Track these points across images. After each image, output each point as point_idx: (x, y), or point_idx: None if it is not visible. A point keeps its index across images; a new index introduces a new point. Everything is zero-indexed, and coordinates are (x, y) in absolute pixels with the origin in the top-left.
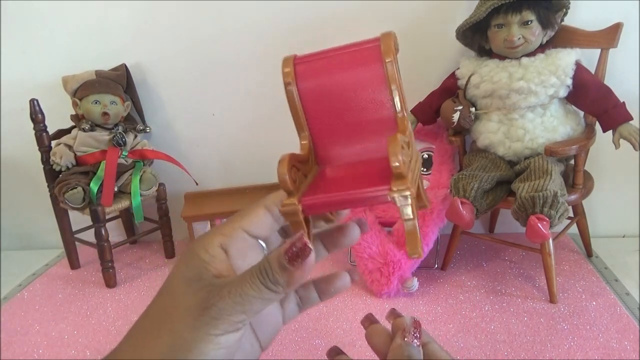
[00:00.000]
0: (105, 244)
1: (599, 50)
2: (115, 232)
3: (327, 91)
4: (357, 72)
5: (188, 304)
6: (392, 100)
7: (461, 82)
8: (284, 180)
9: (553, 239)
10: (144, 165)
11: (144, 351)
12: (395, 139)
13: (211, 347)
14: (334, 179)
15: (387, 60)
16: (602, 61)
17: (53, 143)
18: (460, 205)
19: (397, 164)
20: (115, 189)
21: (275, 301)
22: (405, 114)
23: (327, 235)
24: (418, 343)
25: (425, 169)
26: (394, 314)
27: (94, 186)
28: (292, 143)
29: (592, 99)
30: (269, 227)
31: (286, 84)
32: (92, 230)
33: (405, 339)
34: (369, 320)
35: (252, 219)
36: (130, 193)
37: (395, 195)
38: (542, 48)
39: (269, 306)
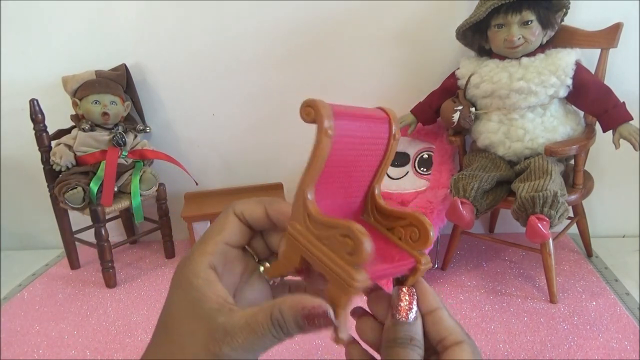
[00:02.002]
0: (105, 244)
1: (599, 50)
2: (115, 232)
3: (346, 147)
4: (369, 144)
5: (195, 349)
6: (374, 175)
7: (461, 82)
8: (369, 256)
9: (553, 239)
10: (144, 165)
11: None
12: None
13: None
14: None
15: (395, 139)
16: (602, 61)
17: (53, 143)
18: (460, 205)
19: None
20: (115, 189)
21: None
22: (379, 191)
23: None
24: (413, 317)
25: (425, 169)
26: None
27: (94, 186)
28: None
29: (592, 99)
30: (246, 236)
31: (327, 135)
32: (92, 230)
33: (394, 317)
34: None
35: (229, 231)
36: (130, 193)
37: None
38: (542, 48)
39: None
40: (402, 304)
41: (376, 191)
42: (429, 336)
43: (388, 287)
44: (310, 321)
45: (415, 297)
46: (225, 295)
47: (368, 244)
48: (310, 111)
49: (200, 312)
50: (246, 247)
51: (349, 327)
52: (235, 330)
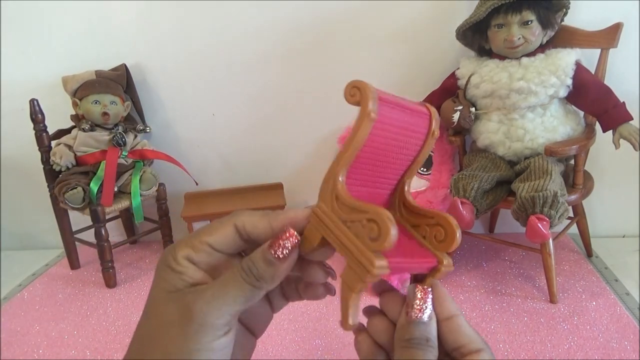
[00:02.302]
0: (105, 244)
1: (599, 50)
2: (115, 232)
3: (386, 135)
4: (408, 136)
5: (172, 318)
6: (407, 169)
7: (461, 82)
8: (392, 243)
9: (553, 239)
10: (144, 165)
11: None
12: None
13: (206, 354)
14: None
15: (433, 136)
16: (602, 61)
17: (53, 143)
18: (460, 205)
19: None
20: (115, 189)
21: (259, 298)
22: (408, 187)
23: (291, 283)
24: (427, 315)
25: (425, 169)
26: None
27: (94, 186)
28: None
29: (592, 99)
30: (235, 246)
31: (370, 119)
32: (92, 230)
33: (409, 315)
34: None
35: (220, 236)
36: (130, 193)
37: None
38: (542, 48)
39: (254, 303)
40: (417, 302)
41: (406, 187)
42: (445, 343)
43: (400, 287)
44: (275, 245)
45: (431, 296)
46: (201, 279)
47: (394, 231)
48: (356, 92)
49: (176, 288)
50: (243, 254)
51: (359, 317)
52: (205, 289)
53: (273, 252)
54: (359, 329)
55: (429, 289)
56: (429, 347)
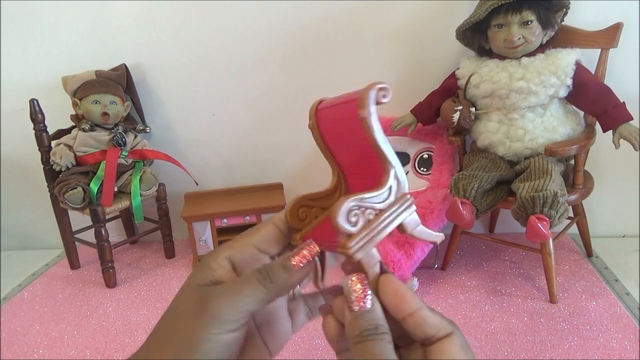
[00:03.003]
0: (105, 244)
1: (599, 50)
2: (115, 232)
3: (338, 134)
4: (349, 122)
5: (189, 307)
6: (377, 154)
7: (461, 82)
8: (288, 221)
9: (553, 239)
10: (144, 165)
11: (156, 356)
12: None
13: (211, 346)
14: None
15: (361, 117)
16: (602, 61)
17: (53, 143)
18: (460, 205)
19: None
20: (115, 189)
21: (270, 302)
22: (391, 174)
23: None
24: (369, 302)
25: (425, 169)
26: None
27: (94, 186)
28: (292, 143)
29: (592, 99)
30: (278, 243)
31: (311, 129)
32: (92, 230)
33: (351, 309)
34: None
35: (261, 235)
36: (130, 193)
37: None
38: (542, 48)
39: (266, 305)
40: (354, 293)
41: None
42: (414, 336)
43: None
44: (296, 253)
45: (366, 281)
46: (231, 278)
47: (288, 213)
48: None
49: (204, 283)
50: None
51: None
52: (224, 286)
53: (292, 260)
54: (326, 311)
55: (362, 276)
56: (381, 335)
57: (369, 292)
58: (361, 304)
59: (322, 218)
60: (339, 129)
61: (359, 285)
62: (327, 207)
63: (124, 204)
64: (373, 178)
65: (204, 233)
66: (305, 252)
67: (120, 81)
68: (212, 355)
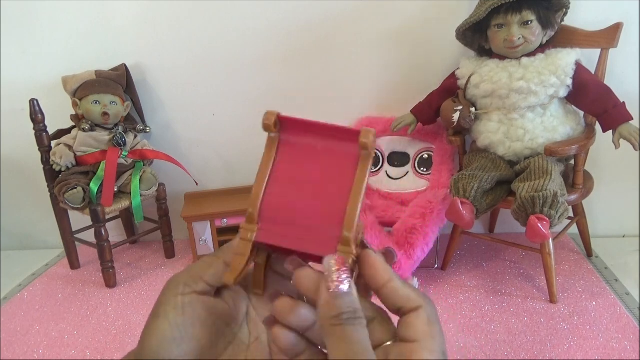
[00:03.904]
0: (105, 244)
1: (599, 50)
2: (115, 232)
3: (300, 161)
4: (331, 159)
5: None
6: (348, 199)
7: (461, 82)
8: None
9: (553, 239)
10: (144, 165)
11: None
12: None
13: (167, 309)
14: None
15: (361, 160)
16: (602, 61)
17: (53, 143)
18: (460, 205)
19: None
20: (115, 189)
21: (221, 271)
22: (355, 224)
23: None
24: (349, 285)
25: (425, 169)
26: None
27: (94, 186)
28: None
29: (592, 99)
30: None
31: (270, 131)
32: (92, 230)
33: (330, 289)
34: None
35: (215, 273)
36: (130, 193)
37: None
38: (542, 48)
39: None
40: (335, 273)
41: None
42: (386, 307)
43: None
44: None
45: (348, 264)
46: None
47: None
48: (264, 118)
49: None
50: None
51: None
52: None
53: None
54: (272, 322)
55: (343, 258)
56: (359, 319)
57: (348, 274)
58: (341, 285)
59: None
60: (306, 152)
61: (337, 266)
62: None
63: (124, 204)
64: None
65: (204, 233)
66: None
67: (120, 81)
68: (170, 317)
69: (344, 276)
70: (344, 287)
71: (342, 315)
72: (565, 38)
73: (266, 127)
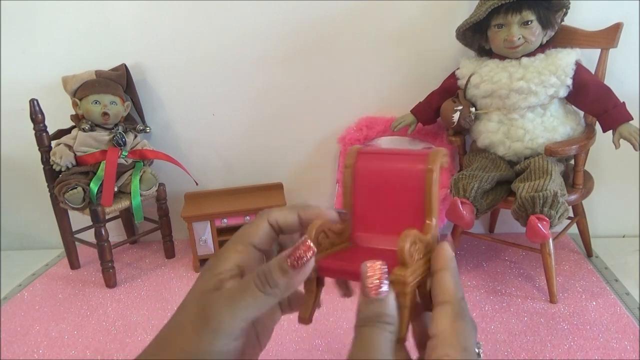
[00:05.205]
0: (105, 244)
1: (599, 50)
2: (115, 232)
3: (376, 182)
4: (403, 172)
5: (190, 319)
6: (424, 205)
7: (461, 82)
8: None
9: (553, 239)
10: (144, 165)
11: None
12: (410, 232)
13: (214, 356)
14: (354, 255)
15: (429, 168)
16: (602, 61)
17: (53, 143)
18: (460, 205)
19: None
20: (115, 189)
21: (271, 305)
22: (434, 222)
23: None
24: (383, 291)
25: None
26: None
27: (94, 186)
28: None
29: (592, 99)
30: (271, 241)
31: (346, 167)
32: (92, 230)
33: (364, 293)
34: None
35: (260, 235)
36: (130, 193)
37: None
38: (542, 48)
39: (267, 309)
40: (369, 280)
41: (428, 222)
42: (432, 297)
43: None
44: (292, 255)
45: (386, 271)
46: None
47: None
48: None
49: (205, 290)
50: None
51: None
52: (222, 293)
53: (289, 262)
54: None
55: (383, 265)
56: (385, 325)
57: (386, 282)
58: (373, 292)
59: (339, 248)
60: (381, 176)
61: (375, 273)
62: (337, 243)
63: (124, 204)
64: (390, 227)
65: (204, 233)
66: (301, 251)
67: (120, 81)
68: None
69: (377, 282)
70: (381, 293)
71: (364, 318)
72: (565, 38)
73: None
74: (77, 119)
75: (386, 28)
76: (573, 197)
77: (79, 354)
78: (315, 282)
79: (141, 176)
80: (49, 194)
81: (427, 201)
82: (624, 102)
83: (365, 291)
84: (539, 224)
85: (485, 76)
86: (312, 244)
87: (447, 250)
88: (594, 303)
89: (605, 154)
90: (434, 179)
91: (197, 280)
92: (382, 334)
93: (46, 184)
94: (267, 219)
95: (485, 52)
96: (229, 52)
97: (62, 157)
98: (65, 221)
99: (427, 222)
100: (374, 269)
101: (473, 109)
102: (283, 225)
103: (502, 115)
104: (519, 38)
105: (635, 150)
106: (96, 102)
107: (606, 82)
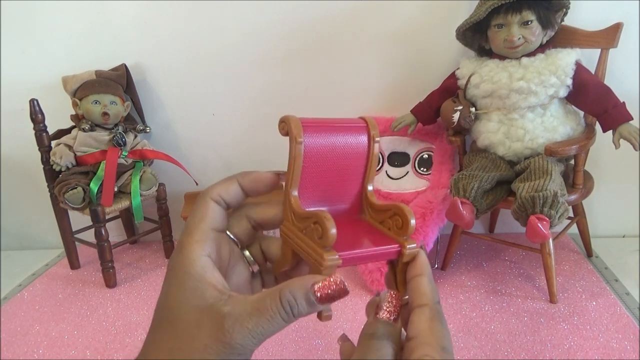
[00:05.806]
0: (105, 244)
1: (599, 50)
2: (115, 232)
3: (322, 153)
4: (348, 142)
5: (205, 340)
6: (365, 172)
7: (461, 82)
8: (334, 237)
9: (553, 239)
10: (144, 165)
11: None
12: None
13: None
14: (342, 238)
15: (373, 136)
16: (602, 61)
17: (53, 143)
18: (460, 205)
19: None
20: (115, 189)
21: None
22: (370, 188)
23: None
24: (392, 317)
25: (425, 169)
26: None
27: (94, 186)
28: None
29: (592, 99)
30: (225, 217)
31: (298, 142)
32: (92, 230)
33: (377, 315)
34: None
35: (211, 216)
36: (130, 193)
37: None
38: (542, 48)
39: None
40: (387, 305)
41: (369, 189)
42: (410, 301)
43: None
44: (323, 292)
45: (399, 301)
46: (222, 282)
47: (332, 227)
48: (284, 125)
49: (202, 302)
50: (227, 232)
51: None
52: (244, 317)
53: (318, 295)
54: (345, 340)
55: (401, 296)
56: (389, 342)
57: (396, 311)
58: (387, 316)
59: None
60: (327, 147)
61: (394, 302)
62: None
63: (124, 204)
64: (339, 201)
65: None
66: (334, 290)
67: (120, 81)
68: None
69: (393, 309)
70: (389, 317)
71: (375, 334)
72: (565, 38)
73: (289, 133)
74: (77, 119)
75: (386, 28)
76: (573, 197)
77: (79, 354)
78: (291, 252)
79: (141, 176)
80: (49, 194)
81: (368, 168)
82: (624, 102)
83: (380, 312)
84: (539, 224)
85: (485, 76)
86: (346, 287)
87: (423, 257)
88: (594, 303)
89: (605, 154)
90: (376, 147)
91: (177, 288)
92: (387, 348)
93: (46, 184)
94: (210, 197)
95: (485, 52)
96: (229, 52)
97: (62, 157)
98: (65, 221)
99: (369, 189)
100: (393, 298)
101: (473, 109)
102: (227, 199)
103: (502, 115)
104: (519, 38)
105: (635, 150)
106: (96, 102)
107: (606, 82)
